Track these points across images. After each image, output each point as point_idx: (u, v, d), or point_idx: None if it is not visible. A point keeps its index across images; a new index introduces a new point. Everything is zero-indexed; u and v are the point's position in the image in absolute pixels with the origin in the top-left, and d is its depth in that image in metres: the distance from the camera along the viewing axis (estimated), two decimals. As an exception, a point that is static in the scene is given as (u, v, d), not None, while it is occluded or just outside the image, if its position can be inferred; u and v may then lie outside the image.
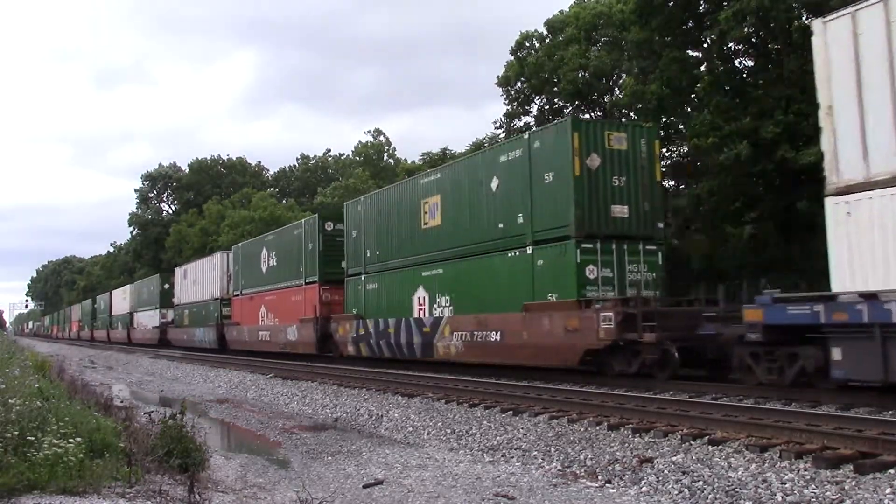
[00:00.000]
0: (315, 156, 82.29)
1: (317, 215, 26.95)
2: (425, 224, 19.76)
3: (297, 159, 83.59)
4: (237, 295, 33.72)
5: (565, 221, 14.94)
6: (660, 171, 16.27)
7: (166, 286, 45.77)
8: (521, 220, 16.12)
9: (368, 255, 22.56)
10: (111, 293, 66.02)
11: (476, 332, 17.16)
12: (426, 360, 19.59)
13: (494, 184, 17.09)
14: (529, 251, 15.84)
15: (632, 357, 13.88)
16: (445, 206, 19.00)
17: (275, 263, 29.75)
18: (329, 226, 25.82)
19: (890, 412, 9.45)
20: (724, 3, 22.17)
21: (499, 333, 16.36)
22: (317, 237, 25.82)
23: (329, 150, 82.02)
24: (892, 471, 6.84)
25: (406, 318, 20.15)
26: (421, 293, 19.73)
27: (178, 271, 43.78)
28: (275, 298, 29.44)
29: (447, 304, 18.69)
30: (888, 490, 6.36)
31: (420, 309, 19.76)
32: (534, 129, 16.21)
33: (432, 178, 20.04)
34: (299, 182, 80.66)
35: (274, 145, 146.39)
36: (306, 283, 26.48)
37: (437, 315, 18.93)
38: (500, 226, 16.78)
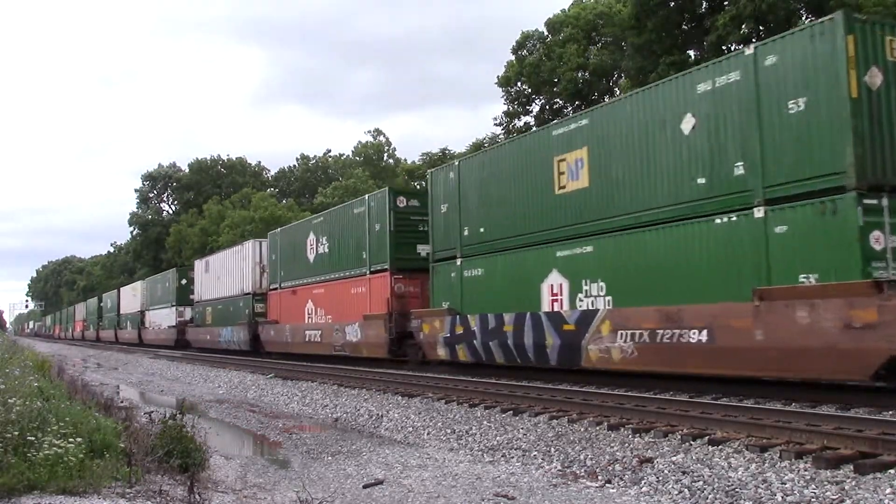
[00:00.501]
0: (315, 156, 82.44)
1: (387, 189, 22.41)
2: (562, 188, 15.28)
3: (297, 159, 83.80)
4: (275, 289, 29.37)
5: (835, 167, 10.41)
6: None
7: (183, 282, 42.09)
8: (740, 170, 11.69)
9: (467, 233, 18.16)
10: (119, 290, 62.07)
11: (661, 331, 12.56)
12: (568, 368, 15.31)
13: (688, 124, 12.59)
14: (759, 214, 11.31)
15: None
16: (596, 162, 14.46)
17: (326, 250, 25.09)
18: (401, 202, 21.33)
19: (890, 412, 9.45)
20: (725, 3, 22.22)
21: (705, 332, 11.81)
22: (387, 216, 21.16)
23: (329, 151, 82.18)
24: (892, 471, 6.84)
25: (533, 312, 15.71)
26: (555, 279, 15.34)
27: (199, 264, 39.24)
28: (327, 292, 24.76)
29: (601, 293, 14.24)
30: (888, 490, 6.36)
31: (554, 300, 15.42)
32: (765, 40, 11.85)
33: (574, 126, 15.25)
34: (299, 182, 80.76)
35: (275, 146, 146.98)
36: (372, 273, 21.87)
37: (584, 308, 14.56)
38: (700, 181, 12.35)
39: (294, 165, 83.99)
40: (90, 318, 74.02)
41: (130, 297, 55.97)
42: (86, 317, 77.06)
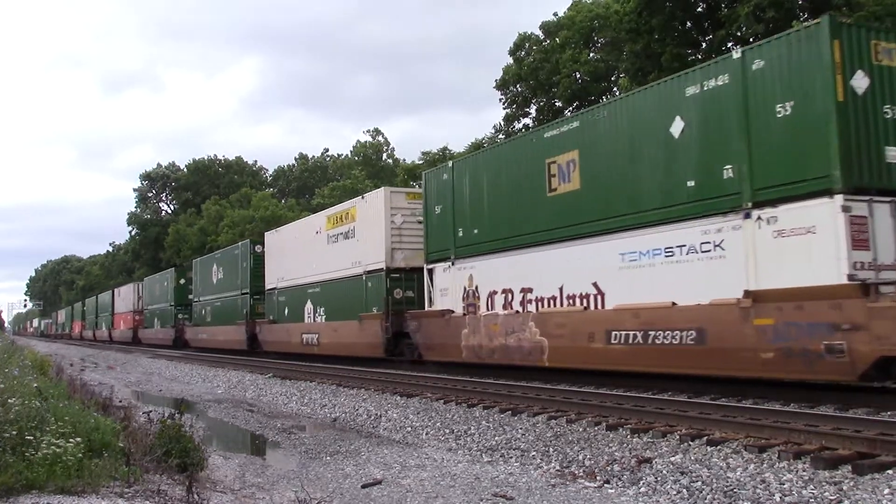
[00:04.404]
0: (313, 156, 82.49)
1: None
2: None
3: (296, 159, 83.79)
4: None
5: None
6: None
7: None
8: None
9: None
10: (263, 241, 30.43)
11: None
12: None
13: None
14: None
15: None
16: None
17: None
18: None
19: (888, 412, 9.46)
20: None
21: None
22: None
23: (327, 150, 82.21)
24: (890, 471, 6.84)
25: None
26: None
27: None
28: None
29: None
30: (886, 490, 6.36)
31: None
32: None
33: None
34: (297, 182, 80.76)
35: (276, 150, 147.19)
36: None
37: None
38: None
39: (293, 164, 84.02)
40: (153, 310, 44.47)
41: (318, 254, 24.89)
42: (139, 306, 47.13)
